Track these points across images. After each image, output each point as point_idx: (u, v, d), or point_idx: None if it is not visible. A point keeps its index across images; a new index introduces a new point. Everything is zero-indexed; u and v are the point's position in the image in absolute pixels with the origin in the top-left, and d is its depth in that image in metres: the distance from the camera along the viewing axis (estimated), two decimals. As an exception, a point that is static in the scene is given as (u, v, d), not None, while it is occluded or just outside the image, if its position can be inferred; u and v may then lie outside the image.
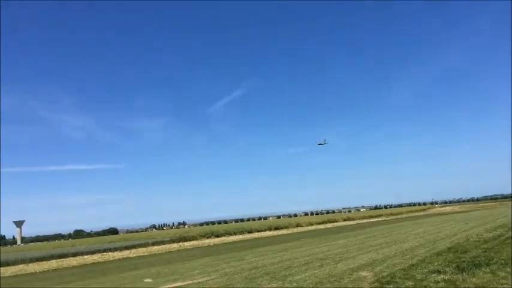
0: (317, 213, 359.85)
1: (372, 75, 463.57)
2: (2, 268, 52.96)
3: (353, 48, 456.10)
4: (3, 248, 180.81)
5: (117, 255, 60.73)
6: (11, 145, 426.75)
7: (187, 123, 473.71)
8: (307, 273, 20.36)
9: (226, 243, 71.76)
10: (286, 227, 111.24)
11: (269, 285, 17.88)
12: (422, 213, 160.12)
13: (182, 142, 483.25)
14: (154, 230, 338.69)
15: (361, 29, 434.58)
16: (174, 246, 71.77)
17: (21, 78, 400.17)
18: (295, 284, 17.57)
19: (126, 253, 63.04)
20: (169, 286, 20.37)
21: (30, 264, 55.09)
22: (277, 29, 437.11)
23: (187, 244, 74.35)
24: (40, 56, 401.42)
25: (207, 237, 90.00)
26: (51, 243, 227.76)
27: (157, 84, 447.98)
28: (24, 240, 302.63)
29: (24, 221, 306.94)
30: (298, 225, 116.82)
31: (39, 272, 45.97)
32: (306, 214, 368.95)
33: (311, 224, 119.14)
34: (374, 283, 16.31)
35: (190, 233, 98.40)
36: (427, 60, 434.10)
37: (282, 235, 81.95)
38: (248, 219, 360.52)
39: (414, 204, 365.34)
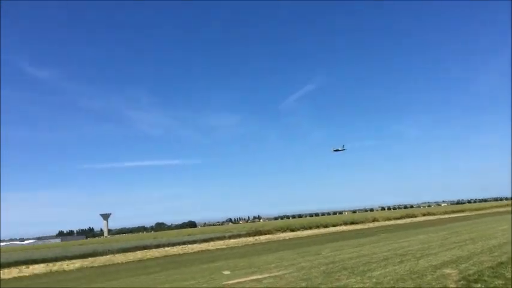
0: (394, 208, 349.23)
1: (450, 66, 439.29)
2: (91, 258, 56.69)
3: (428, 39, 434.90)
4: (92, 239, 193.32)
5: (196, 247, 62.82)
6: (99, 143, 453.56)
7: (261, 119, 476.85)
8: (387, 269, 19.85)
9: (301, 237, 71.71)
10: (362, 222, 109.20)
11: (347, 280, 17.66)
12: (509, 208, 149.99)
13: (256, 137, 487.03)
14: (230, 223, 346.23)
15: (443, 19, 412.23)
16: (250, 239, 72.85)
17: (108, 80, 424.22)
18: (374, 280, 17.19)
19: (204, 245, 65.03)
20: (248, 278, 20.74)
21: (117, 255, 58.47)
22: (347, 22, 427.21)
23: (262, 238, 75.20)
24: (122, 58, 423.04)
25: (282, 231, 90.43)
26: (135, 235, 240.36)
27: (231, 80, 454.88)
28: (110, 232, 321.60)
29: (110, 214, 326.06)
30: (374, 220, 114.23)
31: (125, 262, 48.67)
32: (383, 209, 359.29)
33: (388, 219, 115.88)
34: (460, 281, 15.58)
35: (266, 227, 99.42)
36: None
37: (358, 230, 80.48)
38: (323, 214, 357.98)
39: (501, 199, 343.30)
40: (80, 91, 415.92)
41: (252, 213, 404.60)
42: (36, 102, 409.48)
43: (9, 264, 52.60)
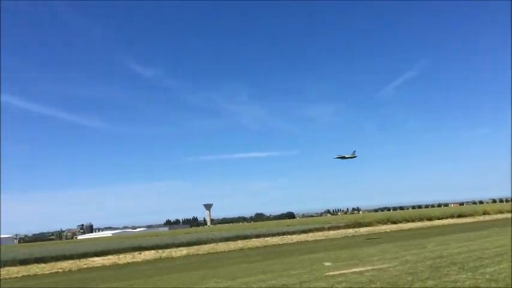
0: (507, 200, 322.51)
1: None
2: (196, 246, 59.47)
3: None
4: (196, 228, 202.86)
5: (295, 238, 63.34)
6: (202, 136, 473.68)
7: (357, 108, 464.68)
8: (501, 266, 18.43)
9: (403, 230, 69.33)
10: (471, 215, 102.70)
11: (457, 276, 16.68)
12: None
13: (353, 127, 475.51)
14: (328, 215, 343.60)
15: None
16: (350, 231, 71.93)
17: (209, 76, 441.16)
18: (488, 276, 16.04)
19: (303, 236, 65.35)
20: (350, 270, 20.43)
21: (220, 244, 60.78)
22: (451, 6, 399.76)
23: (362, 230, 73.82)
24: (222, 54, 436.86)
25: (383, 224, 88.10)
26: (236, 225, 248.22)
27: (326, 69, 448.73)
28: (212, 221, 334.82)
29: (212, 204, 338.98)
30: (485, 212, 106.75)
31: (228, 251, 50.49)
32: (494, 201, 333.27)
33: (501, 212, 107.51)
34: None
35: (366, 219, 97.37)
36: None
37: (466, 223, 75.89)
38: (426, 206, 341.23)
39: None
40: (184, 87, 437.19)
41: (351, 204, 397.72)
42: (143, 100, 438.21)
43: (123, 250, 57.07)
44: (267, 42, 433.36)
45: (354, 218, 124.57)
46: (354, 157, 74.75)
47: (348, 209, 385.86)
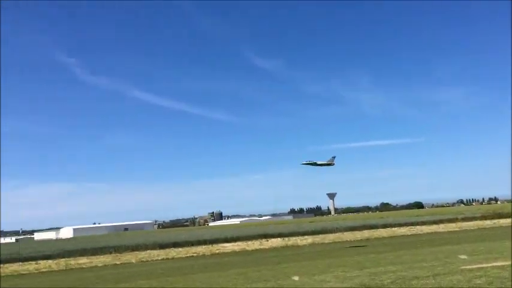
0: None
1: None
2: (321, 235, 59.71)
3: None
4: (321, 217, 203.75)
5: (426, 229, 60.43)
6: (324, 125, 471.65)
7: (493, 89, 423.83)
8: None
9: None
10: None
11: None
12: None
13: (489, 110, 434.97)
14: (461, 205, 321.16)
15: None
16: (487, 223, 66.63)
17: (328, 65, 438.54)
18: None
19: (434, 227, 62.15)
20: (490, 264, 18.89)
21: (345, 233, 60.27)
22: None
23: (502, 221, 67.82)
24: (340, 42, 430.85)
25: (527, 215, 79.88)
26: (361, 214, 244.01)
27: (455, 49, 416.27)
28: (336, 211, 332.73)
29: (336, 193, 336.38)
30: None
31: (353, 240, 49.86)
32: None
33: None
34: None
35: (505, 210, 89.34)
36: None
37: None
38: None
39: None
40: (303, 77, 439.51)
41: (487, 194, 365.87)
42: (264, 91, 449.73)
43: (251, 237, 59.50)
44: (387, 24, 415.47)
45: (492, 208, 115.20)
46: (332, 165, 58.77)
47: (483, 198, 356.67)
